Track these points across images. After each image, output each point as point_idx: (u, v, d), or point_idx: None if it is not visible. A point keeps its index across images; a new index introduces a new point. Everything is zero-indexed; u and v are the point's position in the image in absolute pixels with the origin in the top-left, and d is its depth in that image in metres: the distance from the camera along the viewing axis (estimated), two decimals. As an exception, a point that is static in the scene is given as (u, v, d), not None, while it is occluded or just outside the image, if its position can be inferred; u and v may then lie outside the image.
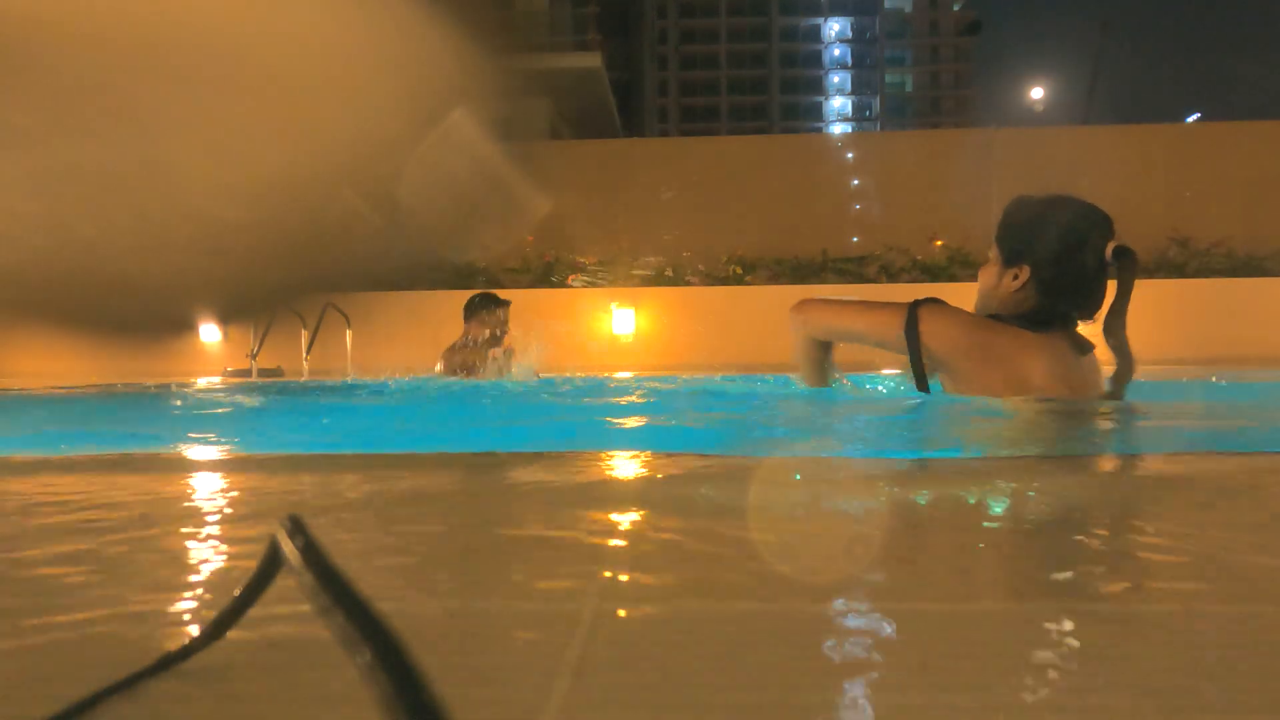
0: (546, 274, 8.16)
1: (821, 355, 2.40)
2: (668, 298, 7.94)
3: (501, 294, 5.04)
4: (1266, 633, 0.57)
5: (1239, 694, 0.47)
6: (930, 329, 2.05)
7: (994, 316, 2.11)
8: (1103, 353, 2.10)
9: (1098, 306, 2.06)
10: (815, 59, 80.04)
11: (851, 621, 0.59)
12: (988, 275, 2.17)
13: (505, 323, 4.79)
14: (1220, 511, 0.97)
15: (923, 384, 2.12)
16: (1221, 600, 0.63)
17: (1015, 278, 2.08)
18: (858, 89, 80.00)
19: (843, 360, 2.47)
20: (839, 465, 1.39)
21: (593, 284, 7.99)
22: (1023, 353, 2.02)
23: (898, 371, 2.60)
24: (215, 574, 0.74)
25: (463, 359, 4.62)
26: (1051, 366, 2.01)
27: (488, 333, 4.68)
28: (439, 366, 4.80)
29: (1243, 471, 1.25)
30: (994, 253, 2.16)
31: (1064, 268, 2.04)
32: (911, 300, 2.12)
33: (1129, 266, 2.05)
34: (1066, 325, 2.08)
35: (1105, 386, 2.10)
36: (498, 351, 4.65)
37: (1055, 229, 2.07)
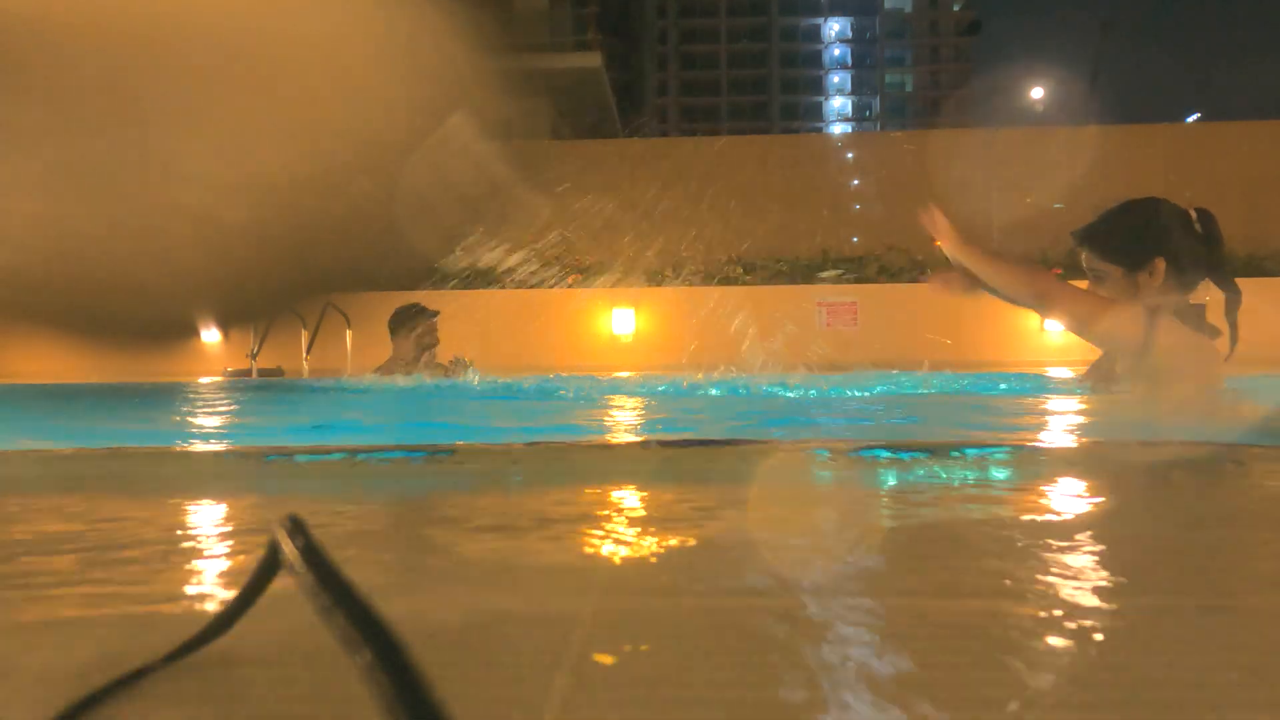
0: (546, 274, 8.16)
1: (969, 277, 2.44)
2: (668, 298, 7.93)
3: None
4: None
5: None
6: (1165, 342, 2.14)
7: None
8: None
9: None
10: (815, 59, 79.94)
11: (852, 616, 0.59)
12: (1122, 290, 2.27)
13: (434, 333, 4.46)
14: None
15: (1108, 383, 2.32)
16: None
17: (1151, 274, 2.22)
18: (858, 89, 79.89)
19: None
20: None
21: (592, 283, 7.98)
22: (1213, 365, 2.20)
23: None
24: (215, 574, 0.74)
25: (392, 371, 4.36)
26: (1223, 372, 2.22)
27: (416, 346, 4.37)
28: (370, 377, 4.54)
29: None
30: (1113, 271, 2.28)
31: (1181, 242, 2.22)
32: (1147, 307, 2.20)
33: (1212, 219, 2.27)
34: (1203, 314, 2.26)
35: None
36: (444, 358, 4.40)
37: (1155, 218, 2.27)
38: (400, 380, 4.17)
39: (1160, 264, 2.21)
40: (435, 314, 4.49)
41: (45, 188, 0.50)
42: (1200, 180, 8.72)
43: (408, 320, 4.41)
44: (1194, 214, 2.25)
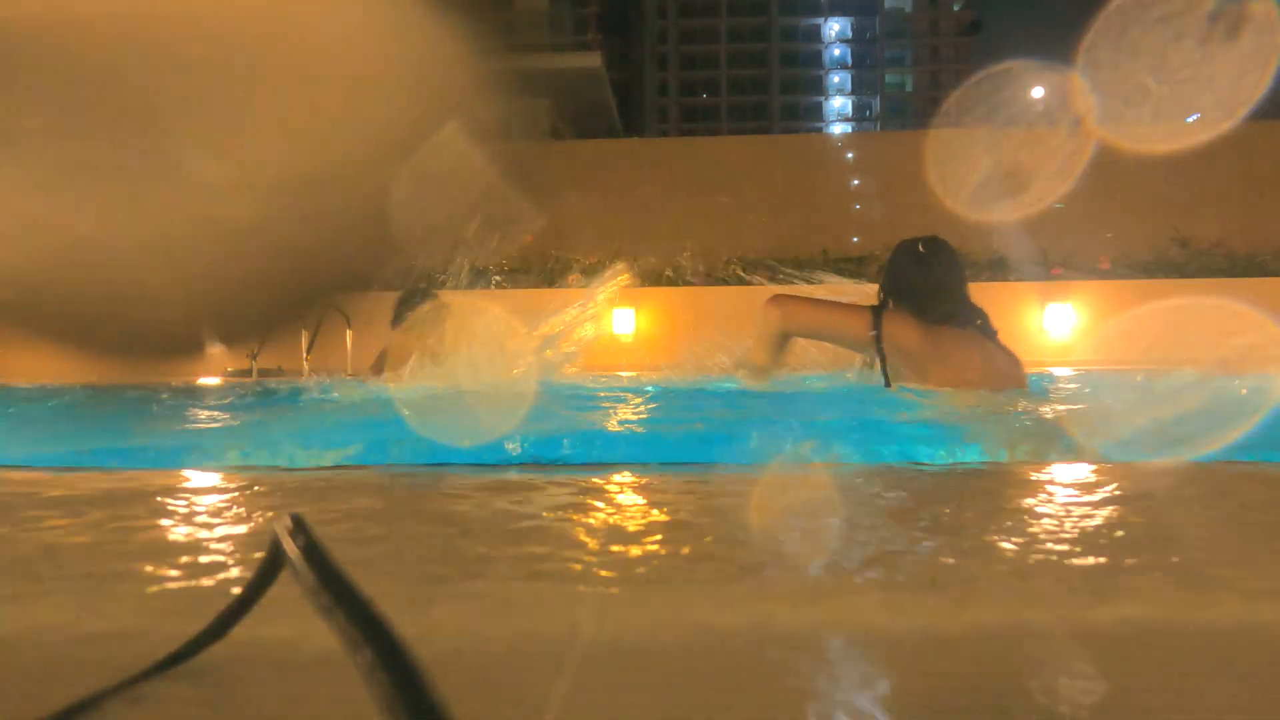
0: (547, 274, 8.16)
1: (778, 352, 2.76)
2: (668, 298, 7.93)
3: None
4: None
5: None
6: (891, 330, 2.52)
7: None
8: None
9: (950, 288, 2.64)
10: (815, 59, 79.91)
11: (845, 631, 0.59)
12: (896, 314, 2.66)
13: (439, 320, 3.58)
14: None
15: (886, 378, 2.56)
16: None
17: (893, 305, 2.66)
18: (858, 89, 79.85)
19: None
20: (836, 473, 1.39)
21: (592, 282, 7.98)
22: (960, 346, 2.50)
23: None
24: (218, 573, 0.74)
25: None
26: (986, 358, 2.51)
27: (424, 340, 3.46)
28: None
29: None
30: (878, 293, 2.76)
31: (905, 275, 2.66)
32: (873, 305, 2.60)
33: (937, 247, 2.71)
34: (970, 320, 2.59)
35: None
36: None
37: (890, 261, 2.79)
38: (390, 380, 3.41)
39: (892, 299, 2.63)
40: (435, 296, 3.60)
41: (48, 191, 0.50)
42: (1201, 180, 8.71)
43: (407, 305, 3.52)
44: (921, 246, 2.64)
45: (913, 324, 2.53)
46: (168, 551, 0.82)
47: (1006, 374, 2.46)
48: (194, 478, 1.33)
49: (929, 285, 2.61)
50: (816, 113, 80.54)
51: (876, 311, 2.56)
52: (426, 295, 3.69)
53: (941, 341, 2.50)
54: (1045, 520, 0.93)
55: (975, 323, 2.55)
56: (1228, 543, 0.86)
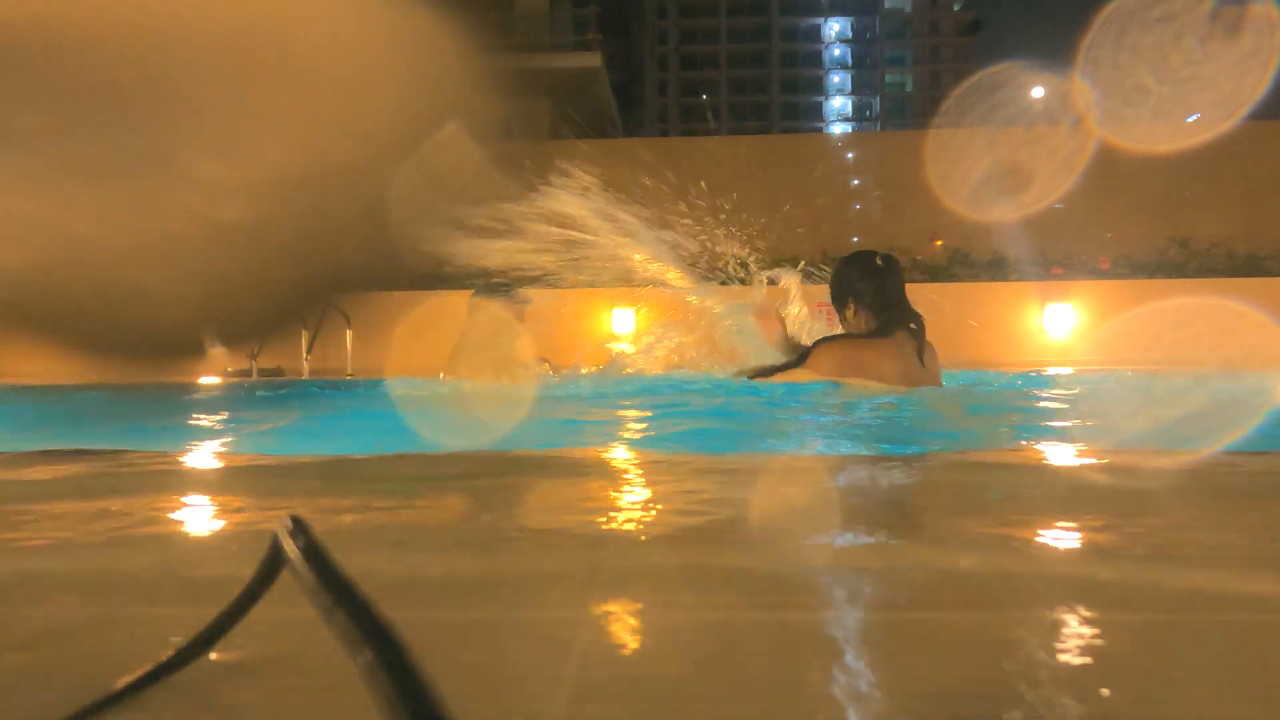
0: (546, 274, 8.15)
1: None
2: (668, 298, 7.93)
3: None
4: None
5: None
6: (815, 363, 2.91)
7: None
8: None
9: (897, 298, 2.98)
10: (815, 59, 79.85)
11: (840, 627, 0.59)
12: (842, 323, 3.08)
13: (521, 319, 3.43)
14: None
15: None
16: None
17: (850, 313, 3.01)
18: (858, 89, 79.80)
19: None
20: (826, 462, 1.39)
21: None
22: (876, 355, 2.83)
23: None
24: (217, 573, 0.74)
25: (473, 366, 3.34)
26: (896, 363, 2.83)
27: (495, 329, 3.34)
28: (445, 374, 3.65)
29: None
30: (840, 311, 3.09)
31: (865, 284, 2.99)
32: (801, 353, 2.98)
33: (876, 261, 3.01)
34: (903, 327, 2.89)
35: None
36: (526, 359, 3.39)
37: (843, 269, 3.07)
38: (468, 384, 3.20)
39: (850, 305, 2.99)
40: (525, 300, 3.41)
41: (49, 192, 0.50)
42: (1201, 180, 8.71)
43: (497, 299, 3.27)
44: (879, 260, 2.95)
45: (831, 350, 2.90)
46: (170, 547, 0.82)
47: (903, 375, 2.83)
48: (191, 465, 1.33)
49: (881, 297, 2.94)
50: (816, 113, 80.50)
51: (804, 352, 2.95)
52: (506, 293, 3.48)
53: (855, 355, 2.88)
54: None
55: (909, 325, 2.86)
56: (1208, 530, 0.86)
